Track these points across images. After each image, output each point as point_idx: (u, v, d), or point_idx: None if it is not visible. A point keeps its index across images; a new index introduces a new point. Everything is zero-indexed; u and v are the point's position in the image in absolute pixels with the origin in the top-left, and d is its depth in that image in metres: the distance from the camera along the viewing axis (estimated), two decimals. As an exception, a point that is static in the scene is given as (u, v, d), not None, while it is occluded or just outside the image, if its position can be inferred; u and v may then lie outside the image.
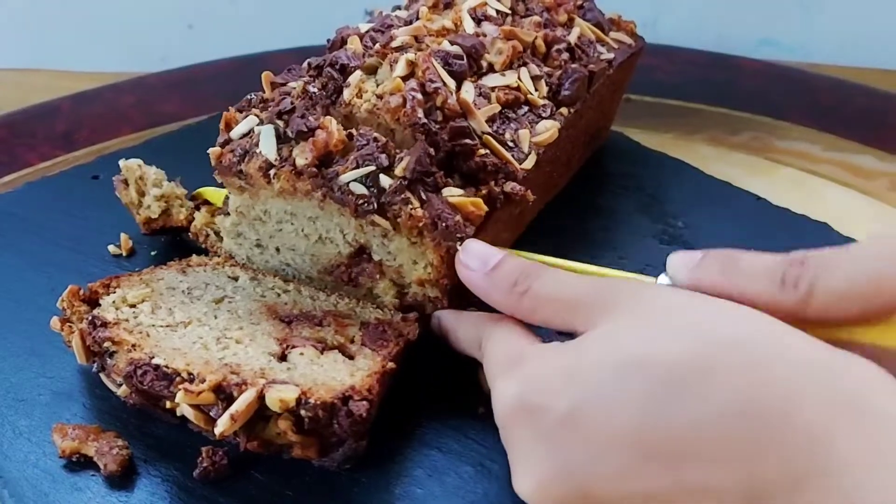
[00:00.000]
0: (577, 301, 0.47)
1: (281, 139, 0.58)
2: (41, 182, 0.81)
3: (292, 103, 0.58)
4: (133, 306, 0.58)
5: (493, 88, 0.61)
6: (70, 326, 0.57)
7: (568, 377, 0.43)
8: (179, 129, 0.90)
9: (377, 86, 0.60)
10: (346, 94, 0.59)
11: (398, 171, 0.55)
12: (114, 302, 0.58)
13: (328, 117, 0.57)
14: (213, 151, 0.60)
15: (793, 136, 0.87)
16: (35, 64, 1.17)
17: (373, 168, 0.55)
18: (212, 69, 1.02)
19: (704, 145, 0.86)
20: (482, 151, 0.58)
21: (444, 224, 0.54)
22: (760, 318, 0.42)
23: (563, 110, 0.65)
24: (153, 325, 0.56)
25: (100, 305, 0.58)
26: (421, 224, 0.55)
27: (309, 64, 0.62)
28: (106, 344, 0.54)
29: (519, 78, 0.63)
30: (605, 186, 0.78)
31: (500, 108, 0.61)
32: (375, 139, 0.55)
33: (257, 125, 0.59)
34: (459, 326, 0.55)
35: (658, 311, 0.43)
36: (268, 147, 0.57)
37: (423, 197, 0.55)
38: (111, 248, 0.71)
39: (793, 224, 0.73)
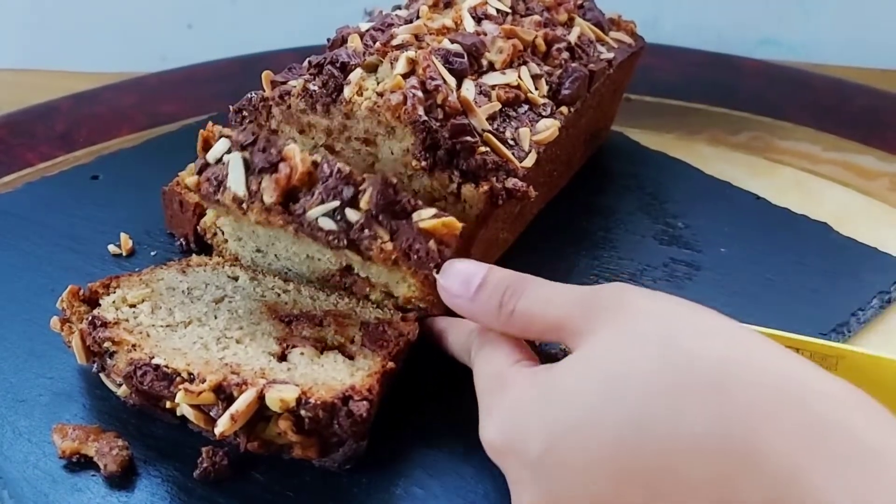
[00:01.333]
0: (561, 319, 0.46)
1: (250, 170, 0.55)
2: (41, 182, 0.81)
3: (254, 133, 0.56)
4: (133, 306, 0.58)
5: (493, 87, 0.61)
6: (70, 326, 0.57)
7: (544, 409, 0.43)
8: (179, 128, 0.90)
9: (378, 83, 0.59)
10: (347, 91, 0.59)
11: (363, 203, 0.53)
12: (114, 302, 0.58)
13: (290, 146, 0.54)
14: (192, 181, 0.58)
15: (793, 137, 0.87)
16: (34, 64, 1.17)
17: (338, 203, 0.53)
18: (211, 69, 1.02)
19: (705, 145, 0.86)
20: (483, 149, 0.58)
21: (415, 255, 0.52)
22: (735, 334, 0.42)
23: (564, 109, 0.65)
24: (153, 325, 0.56)
25: (100, 305, 0.58)
26: (393, 257, 0.53)
27: (309, 62, 0.61)
28: (106, 344, 0.54)
29: (519, 76, 0.63)
30: (606, 186, 0.78)
31: (500, 106, 0.61)
32: (339, 170, 0.53)
33: (227, 153, 0.56)
34: (450, 333, 0.55)
35: (635, 327, 0.42)
36: (236, 182, 0.55)
37: (393, 226, 0.53)
38: (111, 247, 0.71)
39: (793, 224, 0.73)
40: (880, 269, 0.67)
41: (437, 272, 0.52)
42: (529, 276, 0.49)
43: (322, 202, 0.53)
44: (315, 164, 0.54)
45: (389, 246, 0.52)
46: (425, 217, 0.53)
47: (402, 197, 0.53)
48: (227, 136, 0.57)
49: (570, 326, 0.45)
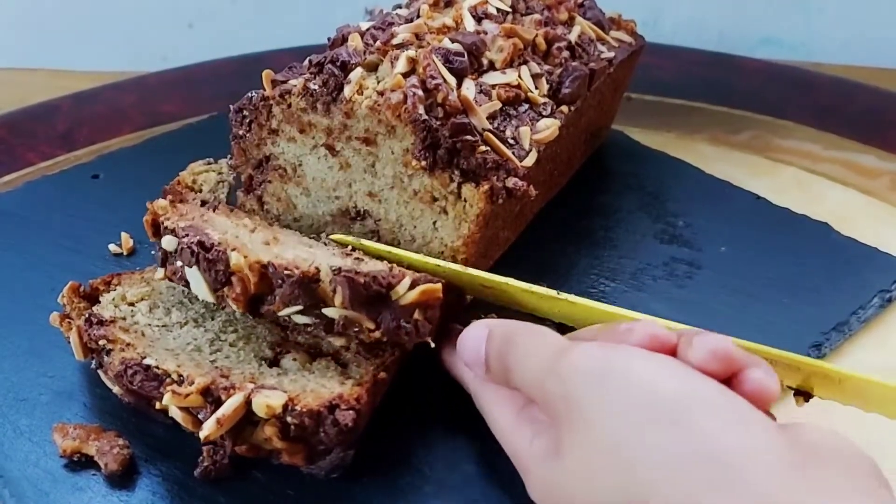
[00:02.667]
0: (545, 397, 0.46)
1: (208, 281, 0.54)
2: (41, 181, 0.81)
3: (193, 252, 0.54)
4: (132, 305, 0.58)
5: (493, 86, 0.61)
6: (69, 323, 0.57)
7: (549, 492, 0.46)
8: (180, 128, 0.90)
9: (378, 82, 0.59)
10: (347, 90, 0.59)
11: (337, 303, 0.51)
12: (113, 299, 0.58)
13: (234, 257, 0.52)
14: (160, 273, 0.58)
15: (794, 136, 0.87)
16: (35, 63, 1.17)
17: (300, 307, 0.52)
18: (212, 68, 1.02)
19: (705, 144, 0.86)
20: (483, 148, 0.58)
21: (406, 334, 0.52)
22: (708, 435, 0.40)
23: (564, 108, 0.65)
24: (149, 325, 0.56)
25: (99, 302, 0.58)
26: (384, 341, 0.53)
27: (310, 61, 0.61)
28: (101, 342, 0.54)
29: (519, 76, 0.63)
30: (606, 185, 0.78)
31: (500, 105, 0.61)
32: (288, 275, 0.51)
33: (180, 263, 0.55)
34: (454, 369, 0.55)
35: (601, 436, 0.43)
36: (202, 293, 0.54)
37: (374, 312, 0.52)
38: (112, 247, 0.70)
39: (793, 224, 0.73)
40: (881, 268, 0.67)
41: (432, 340, 0.52)
42: (509, 348, 0.50)
43: (286, 305, 0.52)
44: (264, 266, 0.52)
45: (377, 333, 0.52)
46: (402, 292, 0.51)
47: (373, 284, 0.51)
48: (172, 231, 0.55)
49: (549, 411, 0.46)
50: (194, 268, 0.53)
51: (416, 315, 0.51)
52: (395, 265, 0.53)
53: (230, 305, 0.53)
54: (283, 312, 0.52)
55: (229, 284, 0.52)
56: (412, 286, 0.51)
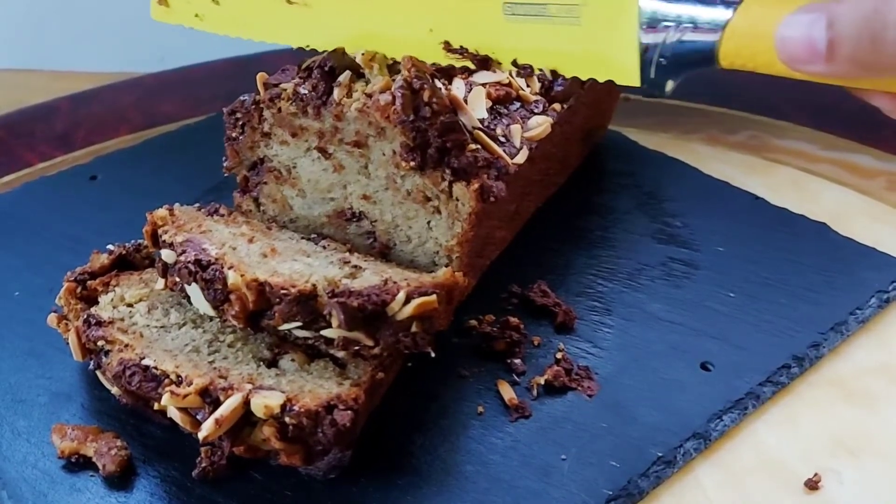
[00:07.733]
0: None
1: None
2: (40, 182, 0.81)
3: (190, 271, 0.54)
4: (130, 305, 0.58)
5: (483, 85, 0.61)
6: (67, 324, 0.57)
7: None
8: (177, 129, 0.90)
9: (366, 85, 0.59)
10: (336, 93, 0.59)
11: (335, 325, 0.51)
12: (111, 300, 0.58)
13: (231, 276, 0.52)
14: (160, 284, 0.58)
15: (791, 136, 0.87)
16: (33, 64, 1.17)
17: (299, 323, 0.52)
18: (209, 69, 1.02)
19: (702, 144, 0.86)
20: (473, 146, 0.58)
21: (405, 347, 0.52)
22: None
23: (556, 106, 0.65)
24: (147, 326, 0.56)
25: (97, 303, 0.58)
26: (384, 355, 0.53)
27: (299, 65, 0.61)
28: (100, 342, 0.54)
29: (510, 74, 0.63)
30: (603, 185, 0.78)
31: (490, 103, 0.61)
32: (285, 293, 0.51)
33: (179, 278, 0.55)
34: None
35: None
36: (204, 307, 0.54)
37: (372, 330, 0.52)
38: (110, 248, 0.70)
39: (790, 223, 0.73)
40: (878, 268, 0.67)
41: (433, 351, 0.52)
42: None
43: (285, 321, 0.52)
44: (261, 284, 0.52)
45: (377, 350, 0.52)
46: (398, 308, 0.51)
47: (368, 305, 0.51)
48: (170, 246, 0.55)
49: None
50: (193, 284, 0.54)
51: (414, 328, 0.51)
52: (389, 278, 0.53)
53: (231, 321, 0.53)
54: (284, 327, 0.52)
55: (228, 302, 0.52)
56: (407, 300, 0.51)
